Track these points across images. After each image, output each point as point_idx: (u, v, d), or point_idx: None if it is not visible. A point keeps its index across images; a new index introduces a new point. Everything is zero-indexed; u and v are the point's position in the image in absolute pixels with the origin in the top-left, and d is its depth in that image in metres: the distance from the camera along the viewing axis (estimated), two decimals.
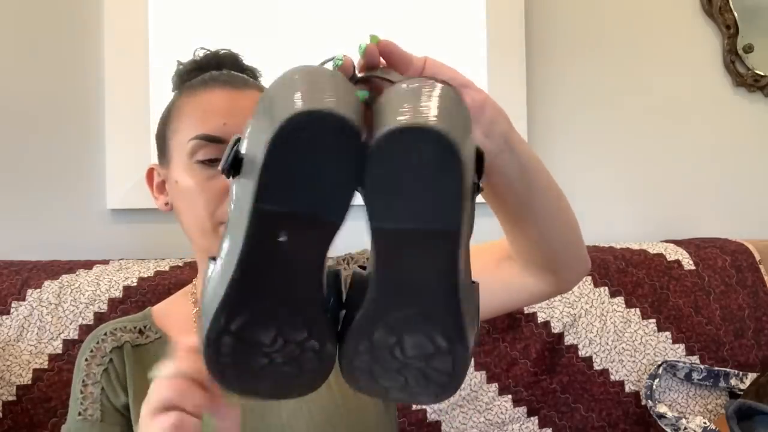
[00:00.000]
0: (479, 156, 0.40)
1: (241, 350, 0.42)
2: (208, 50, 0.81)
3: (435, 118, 0.35)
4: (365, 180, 0.37)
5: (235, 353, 0.41)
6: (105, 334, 0.76)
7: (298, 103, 0.35)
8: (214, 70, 0.78)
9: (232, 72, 0.77)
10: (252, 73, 0.82)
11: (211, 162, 0.70)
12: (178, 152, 0.72)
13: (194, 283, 0.83)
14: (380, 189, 0.37)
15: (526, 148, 0.57)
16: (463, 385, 1.05)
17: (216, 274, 0.41)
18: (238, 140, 0.42)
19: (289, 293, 0.41)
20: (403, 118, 0.35)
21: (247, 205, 0.38)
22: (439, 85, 0.39)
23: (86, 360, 0.75)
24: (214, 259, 0.43)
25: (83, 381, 0.74)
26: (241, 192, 0.39)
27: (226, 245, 0.41)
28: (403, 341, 0.43)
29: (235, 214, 0.40)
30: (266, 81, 0.85)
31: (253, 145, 0.38)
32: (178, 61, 0.82)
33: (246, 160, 0.40)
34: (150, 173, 0.79)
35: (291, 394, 0.46)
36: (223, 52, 0.81)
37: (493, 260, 0.69)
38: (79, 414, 0.72)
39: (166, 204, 0.77)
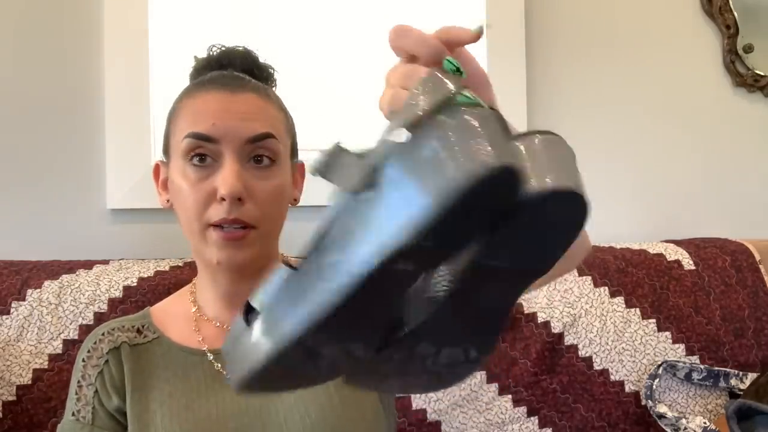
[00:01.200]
0: None
1: (302, 360, 0.40)
2: (223, 47, 0.82)
3: (578, 181, 0.37)
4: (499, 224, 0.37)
5: (295, 362, 0.40)
6: (103, 334, 0.77)
7: (486, 158, 0.33)
8: (224, 68, 0.79)
9: (234, 73, 0.78)
10: (266, 71, 0.82)
11: (201, 161, 0.71)
12: (175, 152, 0.73)
13: (194, 282, 0.83)
14: (510, 235, 0.38)
15: None
16: (463, 385, 1.05)
17: (305, 285, 0.38)
18: (339, 147, 0.38)
19: (378, 316, 0.41)
20: (552, 180, 0.36)
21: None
22: (564, 143, 0.39)
23: (83, 360, 0.76)
24: (290, 266, 0.39)
25: (78, 382, 0.75)
26: (375, 216, 0.36)
27: (333, 257, 0.37)
28: (441, 353, 0.44)
29: (356, 231, 0.36)
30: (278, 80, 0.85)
31: (414, 183, 0.35)
32: (195, 56, 0.83)
33: (389, 184, 0.36)
34: (156, 169, 0.80)
35: (315, 384, 0.46)
36: (237, 49, 0.81)
37: None
38: (73, 414, 0.74)
39: (168, 201, 0.77)
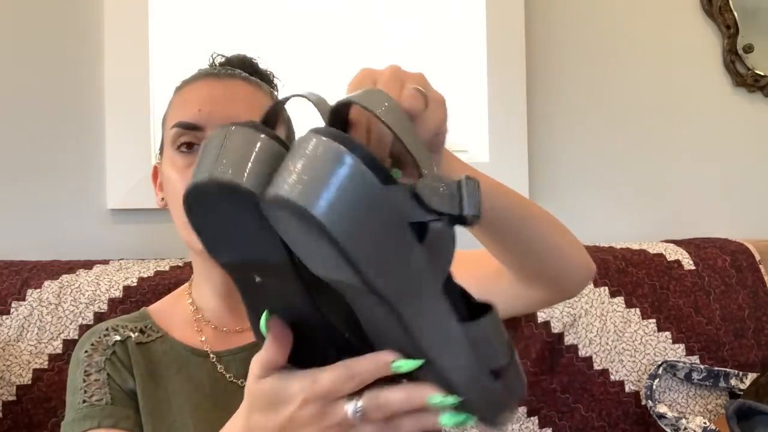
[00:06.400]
0: None
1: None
2: (224, 56, 0.83)
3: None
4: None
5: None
6: (107, 329, 0.75)
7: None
8: None
9: (227, 67, 0.78)
10: (267, 78, 0.82)
11: (189, 148, 0.71)
12: (166, 144, 0.74)
13: (190, 282, 0.82)
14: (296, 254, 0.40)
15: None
16: None
17: None
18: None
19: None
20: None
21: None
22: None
23: (86, 352, 0.73)
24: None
25: (85, 371, 0.71)
26: None
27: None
28: None
29: None
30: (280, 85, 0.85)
31: None
32: (198, 70, 0.83)
33: None
34: (155, 171, 0.81)
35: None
36: (237, 56, 0.82)
37: (492, 269, 0.68)
38: (84, 402, 0.69)
39: (162, 200, 0.77)
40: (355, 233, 0.35)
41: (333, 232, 0.34)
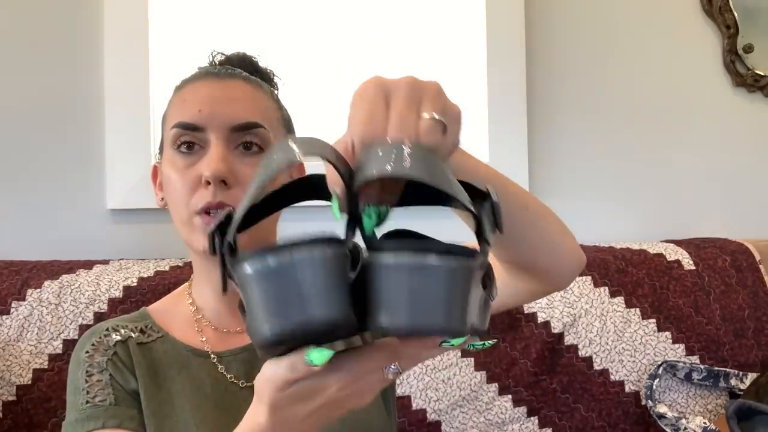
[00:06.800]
0: None
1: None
2: (224, 54, 0.82)
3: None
4: None
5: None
6: (107, 329, 0.75)
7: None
8: None
9: (227, 66, 0.78)
10: (267, 76, 0.82)
11: (189, 149, 0.70)
12: (166, 144, 0.73)
13: (190, 282, 0.82)
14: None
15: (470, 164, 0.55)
16: (463, 385, 1.05)
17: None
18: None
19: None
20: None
21: None
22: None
23: (87, 352, 0.72)
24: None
25: (87, 371, 0.71)
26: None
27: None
28: None
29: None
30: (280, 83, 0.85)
31: None
32: (198, 68, 0.83)
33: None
34: (155, 170, 0.80)
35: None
36: (237, 54, 0.82)
37: None
38: (87, 402, 0.68)
39: (162, 200, 0.77)
40: (471, 311, 0.38)
41: (462, 329, 0.37)
